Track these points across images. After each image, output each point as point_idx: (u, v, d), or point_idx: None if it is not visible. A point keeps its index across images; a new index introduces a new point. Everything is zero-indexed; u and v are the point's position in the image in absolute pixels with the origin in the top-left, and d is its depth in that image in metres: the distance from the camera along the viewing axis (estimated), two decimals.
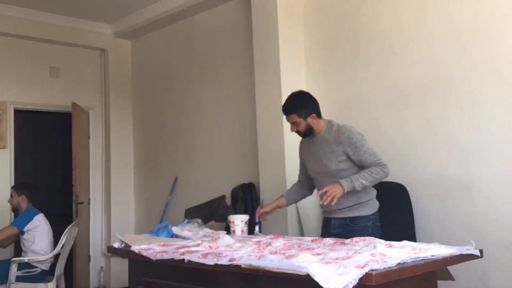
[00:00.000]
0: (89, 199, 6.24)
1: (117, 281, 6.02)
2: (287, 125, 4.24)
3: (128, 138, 6.53)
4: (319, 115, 3.27)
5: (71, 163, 5.73)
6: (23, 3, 5.58)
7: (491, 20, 3.39)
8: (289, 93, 4.28)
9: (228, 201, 4.84)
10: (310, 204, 4.23)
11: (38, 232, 4.64)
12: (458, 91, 3.52)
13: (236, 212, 4.39)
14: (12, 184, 5.66)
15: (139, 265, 2.87)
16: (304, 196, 3.61)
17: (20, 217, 4.68)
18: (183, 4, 5.43)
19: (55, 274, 4.62)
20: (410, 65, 3.79)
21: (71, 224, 4.87)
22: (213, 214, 4.67)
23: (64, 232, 4.70)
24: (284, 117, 4.21)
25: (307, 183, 3.49)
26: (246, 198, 4.54)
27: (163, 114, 6.11)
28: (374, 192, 3.24)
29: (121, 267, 5.44)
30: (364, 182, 3.03)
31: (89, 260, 6.16)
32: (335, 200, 2.98)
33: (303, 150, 3.43)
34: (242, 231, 3.19)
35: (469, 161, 3.45)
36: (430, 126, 3.66)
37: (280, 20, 4.34)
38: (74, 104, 5.87)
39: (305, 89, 4.43)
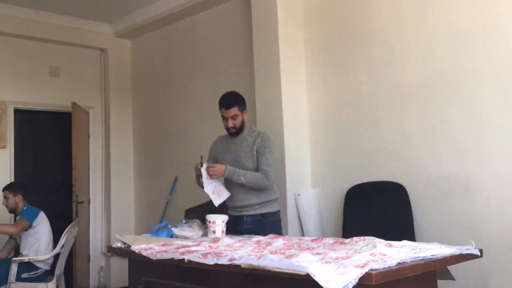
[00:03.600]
0: (89, 198, 6.24)
1: (117, 281, 6.02)
2: (287, 124, 4.26)
3: (128, 138, 6.53)
4: None
5: (71, 162, 5.73)
6: (23, 2, 5.57)
7: (491, 20, 3.39)
8: (289, 93, 4.33)
9: None
10: (310, 204, 4.24)
11: (42, 229, 4.66)
12: (458, 91, 3.52)
13: None
14: None
15: (139, 264, 2.87)
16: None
17: (27, 212, 4.65)
18: (183, 3, 5.42)
19: (55, 273, 4.63)
20: (410, 65, 3.79)
21: (71, 224, 4.87)
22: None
23: (64, 232, 4.70)
24: (284, 116, 4.25)
25: None
26: None
27: (163, 113, 6.11)
28: (278, 193, 3.60)
29: (121, 266, 5.45)
30: (243, 179, 3.36)
31: (89, 260, 6.16)
32: (213, 177, 3.38)
33: (218, 147, 3.67)
34: (223, 231, 3.15)
35: (469, 161, 3.45)
36: (429, 126, 3.66)
37: (280, 20, 4.33)
38: (74, 103, 5.87)
39: (305, 89, 4.46)
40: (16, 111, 5.92)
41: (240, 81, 5.05)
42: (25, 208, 4.71)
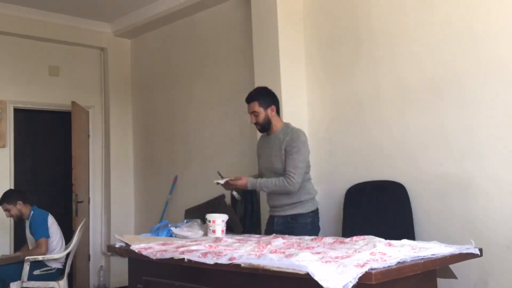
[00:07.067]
0: (89, 198, 6.24)
1: (117, 281, 6.02)
2: None
3: (127, 137, 6.53)
4: (278, 112, 3.48)
5: (71, 162, 5.73)
6: (23, 2, 5.57)
7: (491, 20, 3.39)
8: (289, 93, 4.33)
9: (228, 200, 4.84)
10: None
11: (53, 232, 4.67)
12: (457, 91, 3.51)
13: (236, 212, 4.38)
14: (12, 182, 5.67)
15: (139, 264, 2.87)
16: None
17: (39, 225, 4.62)
18: (183, 3, 5.42)
19: (65, 272, 4.64)
20: (409, 65, 3.79)
21: (81, 223, 4.88)
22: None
23: (77, 231, 4.74)
24: (284, 116, 4.24)
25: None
26: (246, 197, 4.53)
27: (163, 113, 6.11)
28: (314, 191, 3.48)
29: (121, 266, 5.45)
30: (266, 190, 3.37)
31: (89, 259, 6.16)
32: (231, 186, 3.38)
33: (259, 146, 3.63)
34: (222, 231, 3.16)
35: (468, 161, 3.45)
36: (429, 126, 3.66)
37: (280, 20, 4.33)
38: (73, 103, 5.87)
39: (305, 89, 4.46)
40: (16, 110, 5.92)
41: (240, 81, 5.05)
42: (32, 212, 4.69)
